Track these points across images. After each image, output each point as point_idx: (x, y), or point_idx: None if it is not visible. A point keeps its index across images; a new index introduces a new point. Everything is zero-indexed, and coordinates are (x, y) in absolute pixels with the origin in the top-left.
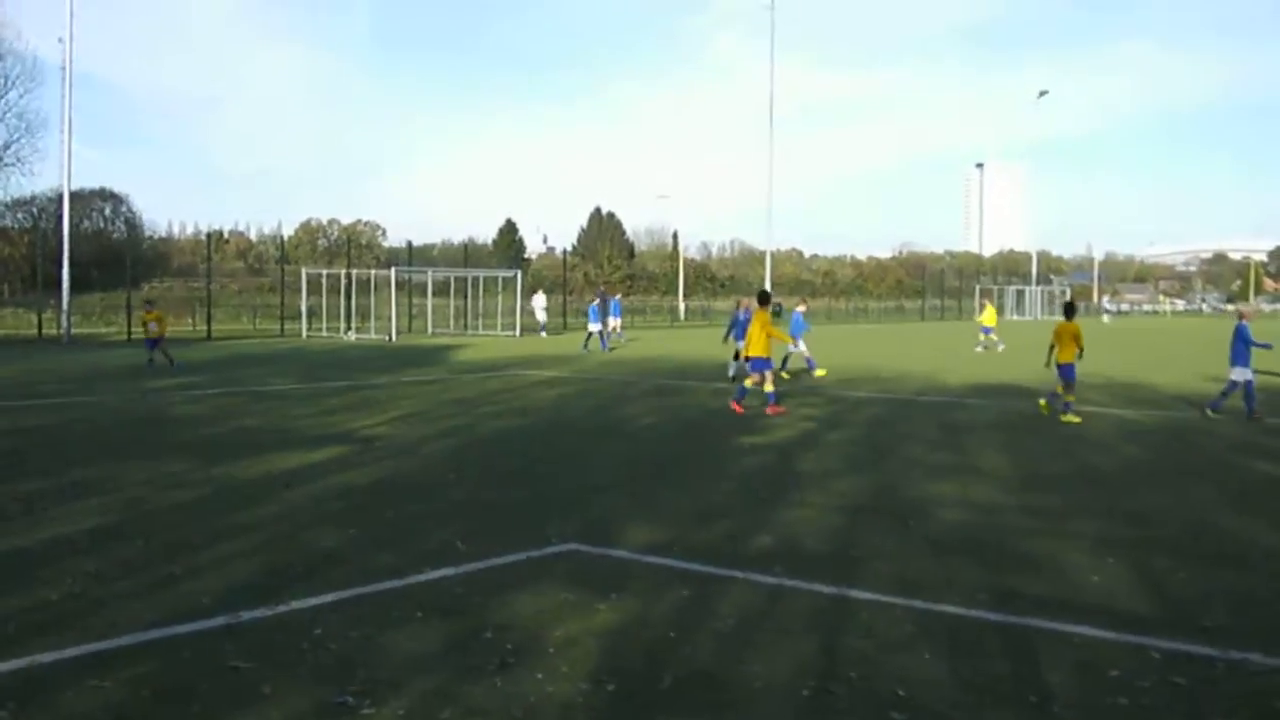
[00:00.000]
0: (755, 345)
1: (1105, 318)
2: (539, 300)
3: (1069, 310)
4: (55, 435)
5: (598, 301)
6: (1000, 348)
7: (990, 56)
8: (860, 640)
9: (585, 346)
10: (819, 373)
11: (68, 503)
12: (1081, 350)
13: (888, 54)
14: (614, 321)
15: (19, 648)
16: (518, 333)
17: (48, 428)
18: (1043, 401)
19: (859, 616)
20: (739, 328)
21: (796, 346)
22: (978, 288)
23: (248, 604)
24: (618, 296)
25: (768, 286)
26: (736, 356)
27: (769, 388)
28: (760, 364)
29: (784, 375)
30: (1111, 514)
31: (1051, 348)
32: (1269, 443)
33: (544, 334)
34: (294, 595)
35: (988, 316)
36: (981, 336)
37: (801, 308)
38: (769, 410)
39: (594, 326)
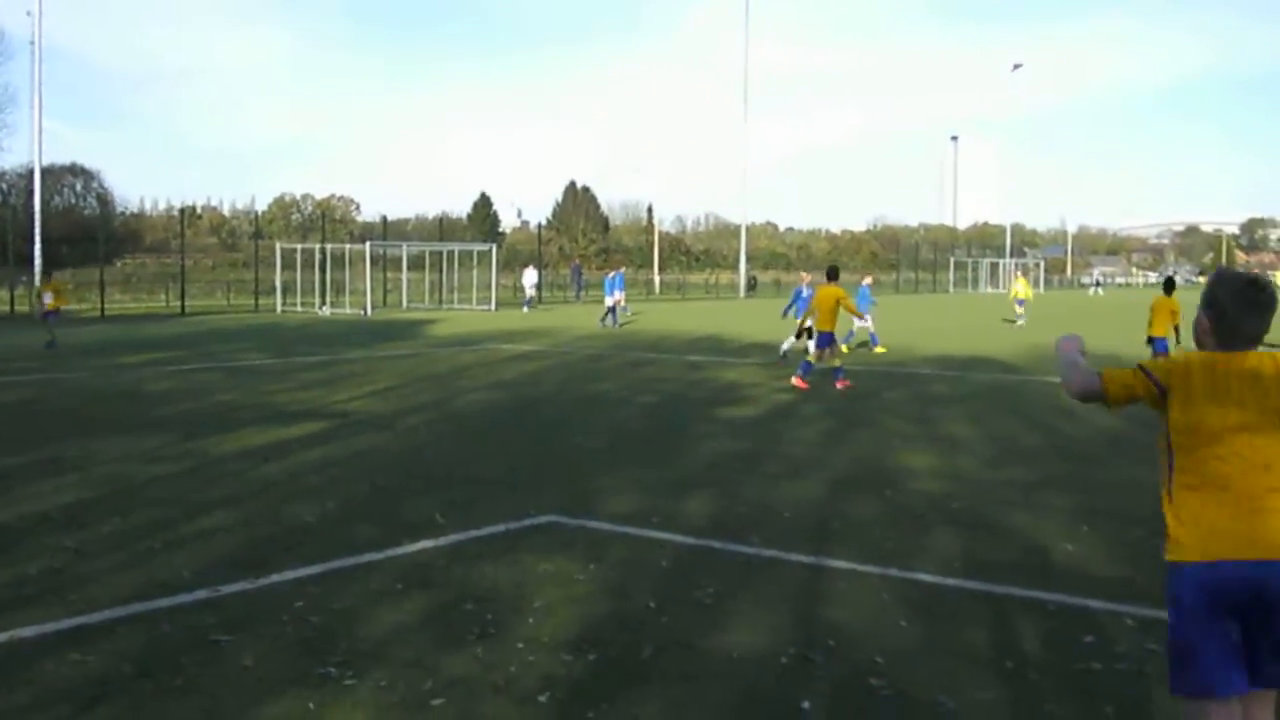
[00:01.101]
0: (825, 320)
1: (1092, 290)
2: (530, 276)
3: (1168, 285)
4: (30, 411)
5: (610, 274)
6: (1020, 323)
7: (965, 30)
8: (837, 609)
9: (615, 323)
10: (879, 349)
11: (45, 479)
12: (1178, 326)
13: (862, 27)
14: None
15: None
16: (493, 306)
17: (22, 403)
18: None
19: (836, 585)
20: (800, 304)
21: (864, 320)
22: (951, 260)
23: (228, 578)
24: (623, 269)
25: (743, 260)
26: (799, 335)
27: (836, 362)
28: (826, 339)
29: (844, 349)
30: (1087, 484)
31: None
32: None
33: (526, 308)
34: (274, 568)
35: (1023, 289)
36: (1018, 309)
37: (868, 280)
38: (839, 384)
39: (610, 299)
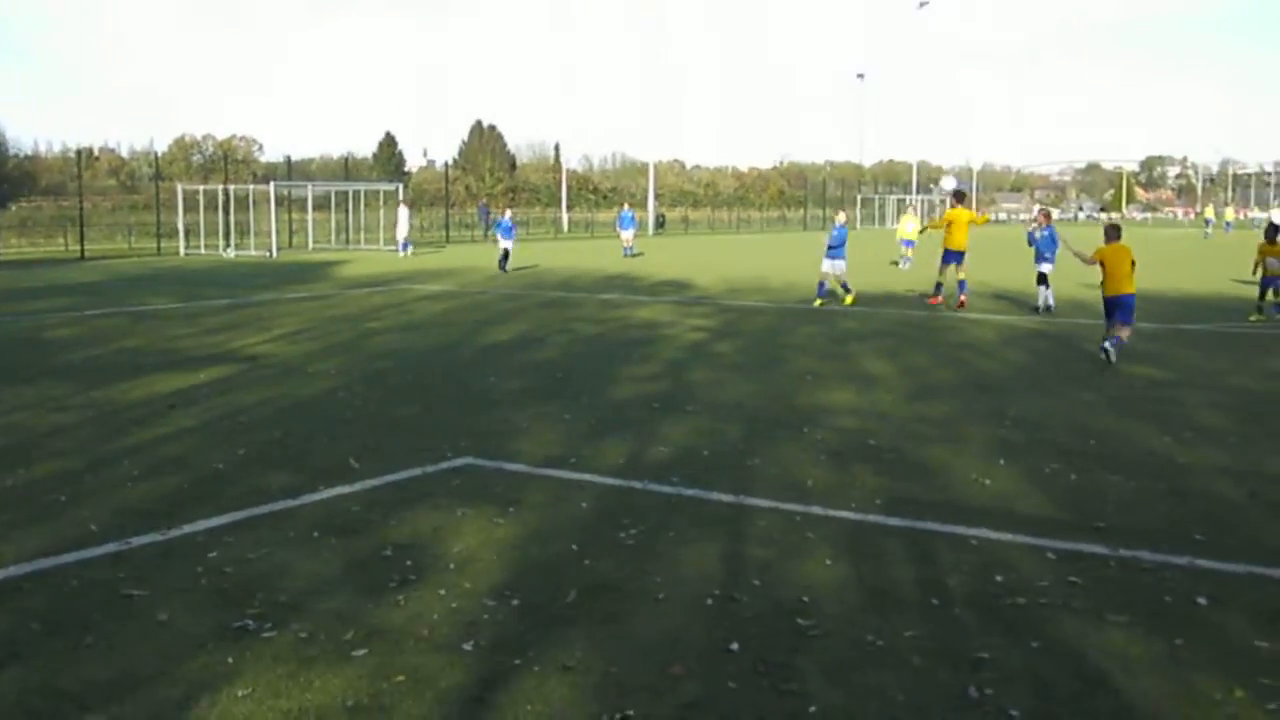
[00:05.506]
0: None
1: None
2: (404, 216)
3: (1271, 232)
4: None
5: (507, 214)
6: (904, 266)
7: None
8: (761, 548)
9: (503, 268)
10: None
11: None
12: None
13: None
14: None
15: None
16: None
17: None
18: (1254, 317)
19: (758, 524)
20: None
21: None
22: (859, 198)
23: (137, 530)
24: (509, 214)
25: (651, 197)
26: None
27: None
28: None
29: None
30: (1001, 419)
31: (1257, 264)
32: (1144, 347)
33: (404, 252)
34: (185, 519)
35: (911, 229)
36: (904, 250)
37: (841, 219)
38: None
39: (505, 243)
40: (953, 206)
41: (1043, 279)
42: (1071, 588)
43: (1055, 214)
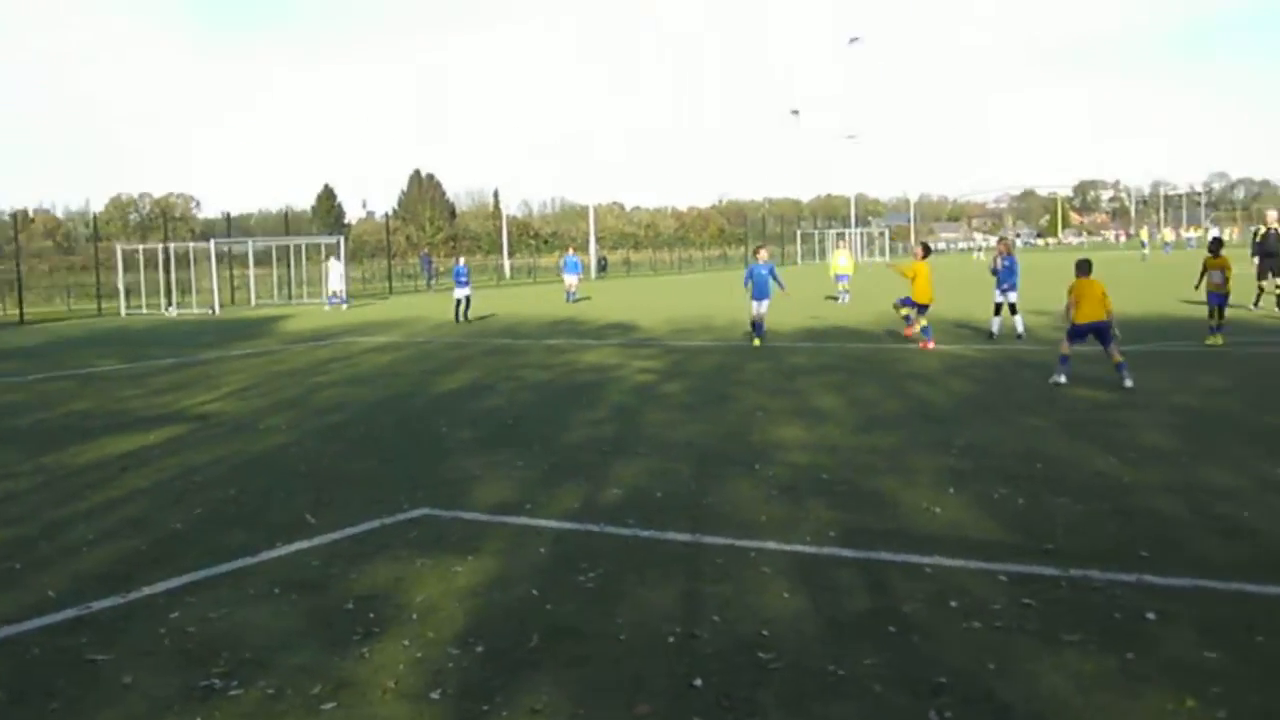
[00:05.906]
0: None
1: (978, 255)
2: (336, 270)
3: (1215, 245)
4: None
5: (461, 261)
6: (844, 300)
7: (799, 2)
8: (719, 585)
9: (458, 318)
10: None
11: None
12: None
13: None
14: (461, 291)
15: None
16: (344, 300)
17: None
18: (1210, 340)
19: (715, 561)
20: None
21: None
22: (798, 233)
23: (97, 594)
24: (462, 260)
25: (592, 241)
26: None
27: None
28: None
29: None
30: (949, 447)
31: (1202, 277)
32: (1088, 370)
33: (343, 305)
34: (145, 581)
35: (845, 263)
36: (841, 285)
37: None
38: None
39: (460, 292)
40: (920, 258)
41: (999, 309)
42: (1025, 609)
43: (991, 242)
